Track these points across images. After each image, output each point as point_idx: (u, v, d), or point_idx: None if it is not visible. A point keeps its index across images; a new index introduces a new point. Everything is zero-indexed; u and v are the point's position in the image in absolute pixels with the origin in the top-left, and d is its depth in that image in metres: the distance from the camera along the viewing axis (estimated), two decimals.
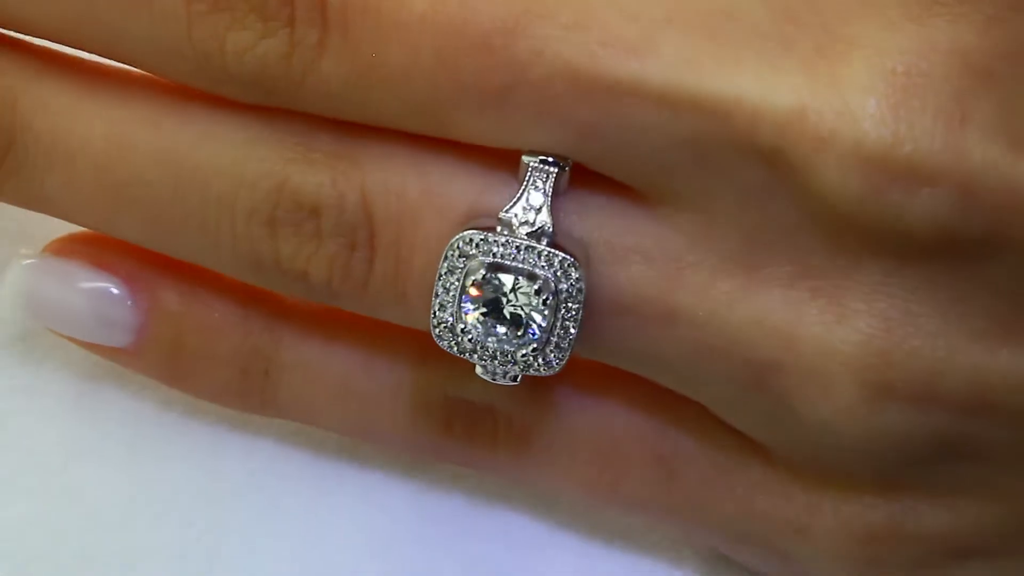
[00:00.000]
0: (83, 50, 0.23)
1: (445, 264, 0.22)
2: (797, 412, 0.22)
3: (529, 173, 0.22)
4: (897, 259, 0.21)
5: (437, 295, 0.22)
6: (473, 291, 0.22)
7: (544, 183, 0.22)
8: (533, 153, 0.22)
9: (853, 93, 0.20)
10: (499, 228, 0.22)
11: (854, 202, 0.20)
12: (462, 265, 0.22)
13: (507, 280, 0.22)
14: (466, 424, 0.25)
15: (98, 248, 0.25)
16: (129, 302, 0.25)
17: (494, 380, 0.23)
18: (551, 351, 0.22)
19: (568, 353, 0.22)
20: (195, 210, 0.23)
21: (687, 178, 0.21)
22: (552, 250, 0.22)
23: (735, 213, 0.22)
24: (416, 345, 0.25)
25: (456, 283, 0.22)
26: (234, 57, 0.22)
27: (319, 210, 0.23)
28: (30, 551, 0.26)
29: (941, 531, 0.23)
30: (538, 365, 0.22)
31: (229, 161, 0.23)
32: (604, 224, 0.22)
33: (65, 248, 0.25)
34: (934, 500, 0.23)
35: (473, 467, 0.26)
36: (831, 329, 0.22)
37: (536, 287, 0.22)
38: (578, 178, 0.22)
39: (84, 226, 0.25)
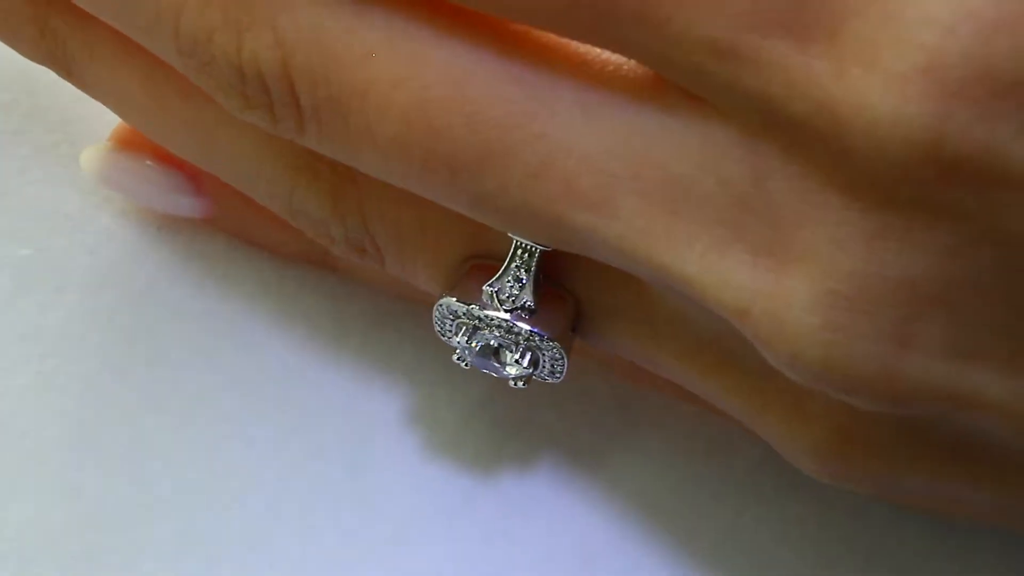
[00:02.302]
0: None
1: (437, 312, 0.24)
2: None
3: (513, 250, 0.23)
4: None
5: (435, 321, 0.24)
6: (464, 337, 0.24)
7: (528, 259, 0.23)
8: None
9: (791, 312, 0.20)
10: (484, 298, 0.23)
11: (797, 380, 0.21)
12: (452, 318, 0.24)
13: (493, 339, 0.24)
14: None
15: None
16: (193, 192, 0.27)
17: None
18: (544, 376, 0.24)
19: (563, 375, 0.24)
20: (227, 173, 0.25)
21: (657, 285, 0.22)
22: (532, 330, 0.23)
23: (704, 319, 0.22)
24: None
25: (451, 326, 0.24)
26: (228, 108, 0.22)
27: (326, 221, 0.24)
28: (30, 551, 0.26)
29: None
30: (535, 377, 0.24)
31: (249, 149, 0.24)
32: (592, 283, 0.23)
33: (132, 140, 0.27)
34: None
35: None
36: (794, 419, 0.23)
37: (517, 355, 0.24)
38: None
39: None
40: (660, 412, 0.28)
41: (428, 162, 0.21)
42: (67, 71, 0.25)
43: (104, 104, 0.26)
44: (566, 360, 0.24)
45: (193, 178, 0.27)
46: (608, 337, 0.24)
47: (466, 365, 0.24)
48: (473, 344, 0.24)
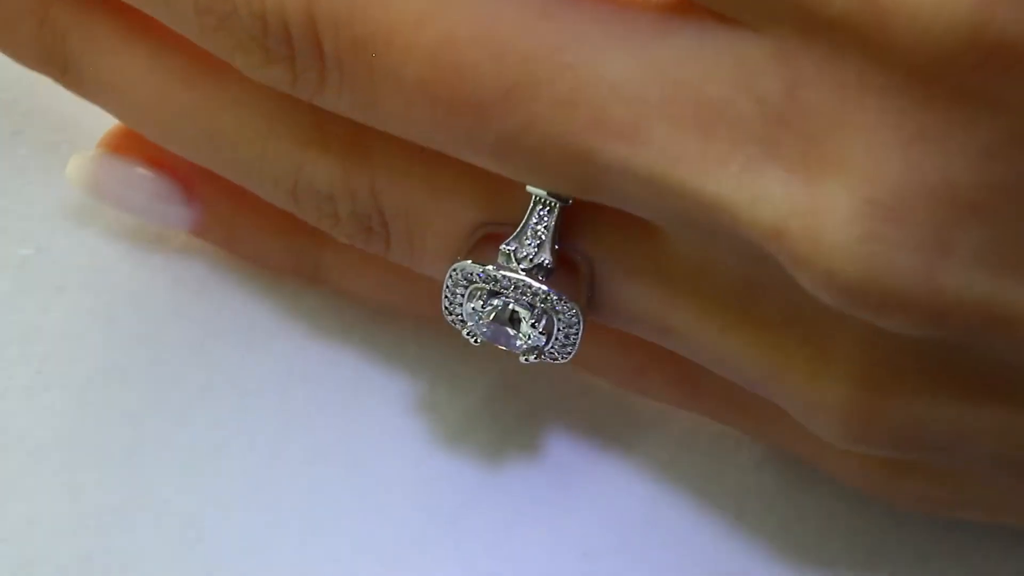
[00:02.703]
0: None
1: (450, 279, 0.23)
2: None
3: (533, 203, 0.22)
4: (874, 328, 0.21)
5: (445, 296, 0.23)
6: (477, 306, 0.23)
7: (548, 215, 0.22)
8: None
9: (830, 223, 0.19)
10: (500, 259, 0.23)
11: (833, 305, 0.20)
12: (465, 284, 0.23)
13: (508, 304, 0.23)
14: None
15: (153, 148, 0.26)
16: (181, 204, 0.27)
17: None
18: (559, 346, 0.24)
19: (573, 352, 0.23)
20: (227, 162, 0.25)
21: (680, 232, 0.22)
22: (549, 291, 0.23)
23: (732, 262, 0.22)
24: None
25: (461, 296, 0.23)
26: (245, 68, 0.22)
27: (334, 197, 0.24)
28: (30, 551, 0.26)
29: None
30: (548, 356, 0.24)
31: (255, 131, 0.24)
32: (609, 242, 0.23)
33: (122, 145, 0.27)
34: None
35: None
36: (814, 382, 0.22)
37: (533, 320, 0.23)
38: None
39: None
40: (660, 412, 0.28)
41: (454, 103, 0.21)
42: (63, 68, 0.25)
43: (100, 103, 0.25)
44: (581, 325, 0.23)
45: (184, 184, 0.27)
46: (623, 304, 0.23)
47: (476, 341, 0.24)
48: (487, 309, 0.23)
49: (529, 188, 0.22)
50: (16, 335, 0.27)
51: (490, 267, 0.23)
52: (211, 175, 0.25)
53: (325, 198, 0.24)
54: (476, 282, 0.23)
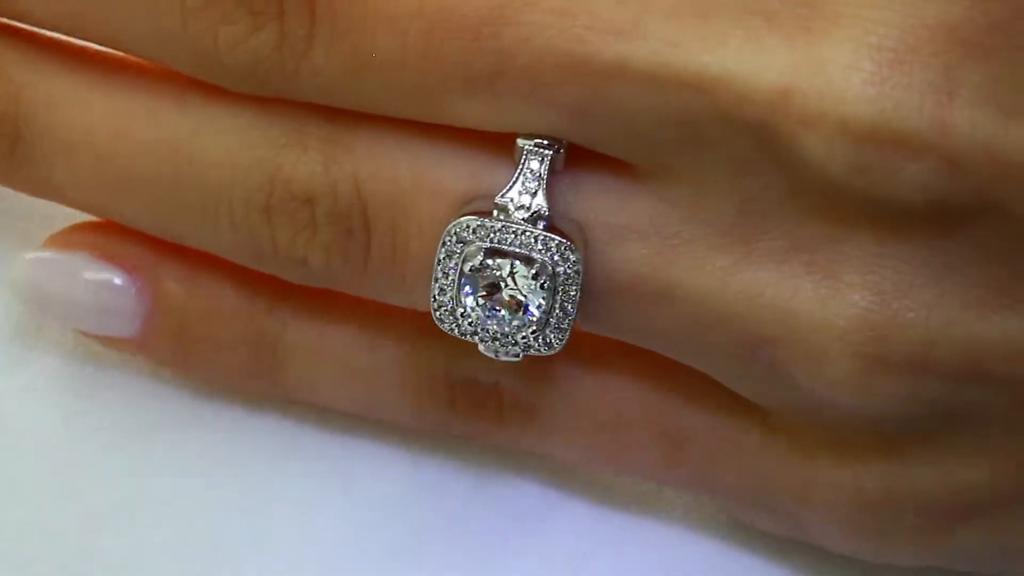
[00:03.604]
0: (83, 40, 0.24)
1: (443, 250, 0.22)
2: (795, 384, 0.22)
3: (524, 156, 0.22)
4: (890, 229, 0.21)
5: (436, 279, 0.23)
6: (471, 276, 0.22)
7: (539, 165, 0.22)
8: (527, 136, 0.22)
9: (837, 71, 0.20)
10: (495, 213, 0.22)
11: (842, 177, 0.21)
12: (459, 250, 0.22)
13: (505, 265, 0.22)
14: (471, 401, 0.25)
15: (101, 239, 0.25)
16: (133, 291, 0.25)
17: (497, 358, 0.23)
18: (551, 332, 0.23)
19: (567, 334, 0.23)
20: (194, 199, 0.23)
21: (678, 153, 0.22)
22: (549, 234, 0.22)
23: (727, 185, 0.22)
24: (417, 323, 0.25)
25: (454, 268, 0.23)
26: (227, 50, 0.22)
27: (313, 199, 0.23)
28: (30, 551, 0.26)
29: (937, 494, 0.23)
30: (538, 346, 0.23)
31: (224, 151, 0.23)
32: (599, 204, 0.23)
33: (67, 241, 0.26)
34: (929, 463, 0.23)
35: (478, 439, 0.26)
36: (825, 303, 0.22)
37: (534, 271, 0.22)
38: (572, 158, 0.22)
39: (92, 214, 0.25)
40: None
41: (449, 28, 0.21)
42: (14, 138, 0.24)
43: (53, 167, 0.24)
44: (580, 279, 0.22)
45: (131, 271, 0.25)
46: (619, 269, 0.22)
47: (471, 324, 0.23)
48: (485, 273, 0.22)
49: (519, 141, 0.22)
50: (16, 335, 0.27)
51: (486, 220, 0.22)
52: (162, 262, 0.25)
53: (303, 203, 0.23)
54: (471, 240, 0.22)
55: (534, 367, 0.25)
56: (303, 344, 0.25)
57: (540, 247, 0.22)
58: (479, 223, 0.22)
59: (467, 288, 0.23)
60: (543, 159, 0.22)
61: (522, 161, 0.22)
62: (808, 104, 0.20)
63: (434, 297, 0.23)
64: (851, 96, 0.20)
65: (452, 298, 0.23)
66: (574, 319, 0.23)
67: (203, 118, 0.23)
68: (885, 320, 0.22)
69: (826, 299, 0.22)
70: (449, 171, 0.23)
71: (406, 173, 0.23)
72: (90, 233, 0.26)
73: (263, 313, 0.25)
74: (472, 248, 0.22)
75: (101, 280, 0.25)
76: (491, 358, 0.23)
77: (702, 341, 0.23)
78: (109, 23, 0.23)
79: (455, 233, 0.22)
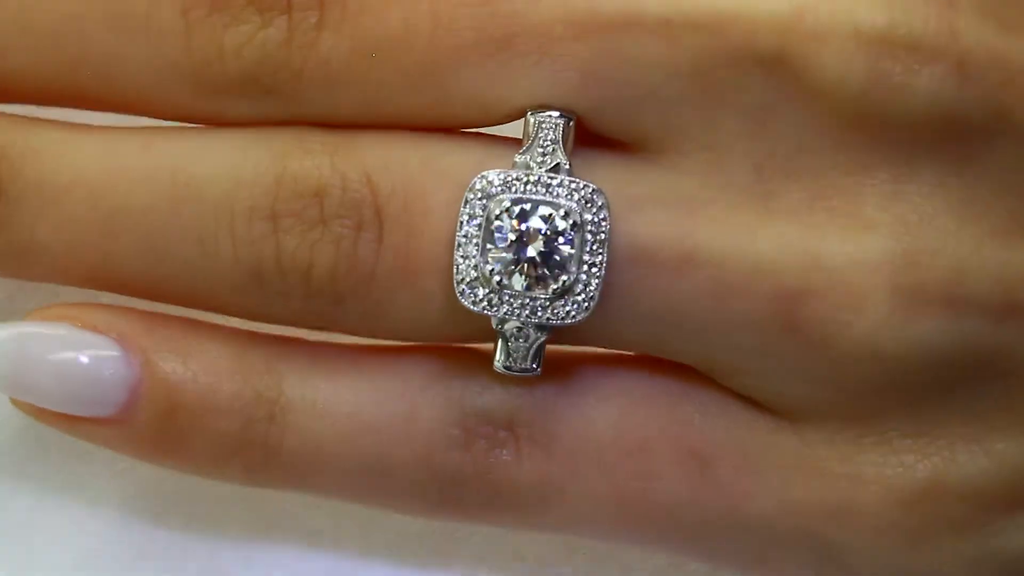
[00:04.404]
0: (74, 102, 0.24)
1: (467, 209, 0.22)
2: (831, 340, 0.22)
3: (536, 128, 0.22)
4: (906, 162, 0.22)
5: (459, 245, 0.22)
6: (496, 235, 0.22)
7: (553, 131, 0.22)
8: (538, 109, 0.22)
9: None
10: (518, 169, 0.22)
11: (859, 89, 0.22)
12: (482, 210, 0.22)
13: (533, 215, 0.22)
14: (487, 441, 0.24)
15: (82, 311, 0.24)
16: (120, 359, 0.24)
17: (513, 367, 0.23)
18: (580, 293, 0.22)
19: (597, 294, 0.22)
20: (192, 222, 0.23)
21: (691, 111, 0.22)
22: (575, 179, 0.22)
23: (742, 142, 0.22)
24: (425, 368, 0.24)
25: (478, 229, 0.22)
26: (233, 54, 0.22)
27: (322, 191, 0.23)
28: (30, 551, 0.25)
29: (983, 481, 0.23)
30: (568, 311, 0.22)
31: (224, 168, 0.23)
32: (612, 177, 0.23)
33: (47, 315, 0.24)
34: (971, 444, 0.23)
35: (497, 514, 0.24)
36: (855, 244, 0.22)
37: (561, 217, 0.22)
38: (582, 141, 0.23)
39: (74, 277, 0.24)
40: None
41: None
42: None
43: (36, 225, 0.23)
44: (607, 228, 0.22)
45: (118, 340, 0.24)
46: (643, 234, 0.23)
47: (495, 295, 0.22)
48: (508, 229, 0.22)
49: (529, 116, 0.22)
50: None
51: (511, 172, 0.22)
52: (150, 328, 0.24)
53: (312, 198, 0.23)
54: (495, 194, 0.22)
55: (549, 394, 0.24)
56: (305, 400, 0.24)
57: (567, 194, 0.22)
58: (503, 174, 0.22)
59: (491, 251, 0.22)
60: (555, 126, 0.22)
61: (535, 132, 0.22)
62: (820, 19, 0.22)
63: (457, 266, 0.22)
64: (861, 7, 0.22)
65: (476, 264, 0.22)
66: (602, 279, 0.22)
67: (201, 141, 0.23)
68: (915, 249, 0.22)
69: (854, 240, 0.22)
70: (458, 157, 0.23)
71: (415, 161, 0.23)
72: (70, 307, 0.24)
73: (260, 371, 0.24)
74: (496, 203, 0.22)
75: (85, 349, 0.24)
76: (505, 387, 0.23)
77: (729, 312, 0.22)
78: (105, 60, 0.23)
79: (480, 189, 0.22)
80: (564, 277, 0.22)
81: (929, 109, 0.22)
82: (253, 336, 0.24)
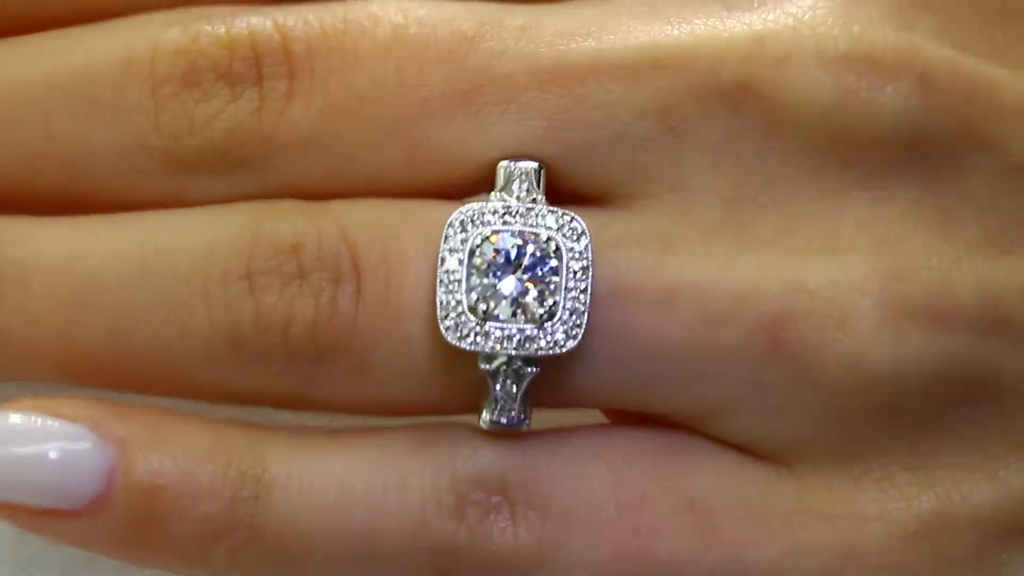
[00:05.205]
0: (36, 198, 0.24)
1: (447, 244, 0.22)
2: (818, 363, 0.22)
3: (508, 172, 0.22)
4: (879, 182, 0.22)
5: (442, 282, 0.22)
6: (478, 268, 0.22)
7: (525, 175, 0.22)
8: (508, 158, 0.23)
9: (801, 13, 0.22)
10: (494, 203, 0.23)
11: (825, 109, 0.22)
12: (462, 243, 0.22)
13: (515, 242, 0.22)
14: (481, 508, 0.23)
15: (50, 401, 0.23)
16: (93, 447, 0.22)
17: (502, 420, 0.22)
18: (567, 319, 0.22)
19: (583, 320, 0.22)
20: (163, 291, 0.22)
21: (659, 151, 0.22)
22: (553, 208, 0.22)
23: (712, 178, 0.22)
24: (412, 437, 0.23)
25: (459, 264, 0.22)
26: (204, 127, 0.23)
27: (298, 246, 0.22)
28: (30, 552, 0.26)
29: (988, 510, 0.23)
30: (554, 340, 0.22)
31: (195, 235, 0.23)
32: (587, 223, 0.23)
33: (14, 406, 0.23)
34: (972, 473, 0.23)
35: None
36: (836, 265, 0.22)
37: (543, 243, 0.22)
38: (553, 200, 0.23)
39: (38, 367, 0.23)
40: None
41: (426, 53, 0.22)
42: None
43: (5, 302, 0.23)
44: (589, 255, 0.22)
45: (91, 426, 0.23)
46: (623, 271, 0.22)
47: (479, 327, 0.22)
48: (489, 261, 0.22)
49: (500, 164, 0.22)
50: None
51: (488, 202, 0.22)
52: (124, 413, 0.23)
53: (288, 254, 0.22)
54: (475, 226, 0.22)
55: (541, 451, 0.23)
56: (291, 476, 0.23)
57: (545, 224, 0.22)
58: (481, 206, 0.22)
59: (474, 282, 0.22)
60: (527, 172, 0.22)
61: (507, 177, 0.22)
62: (781, 43, 0.22)
63: (441, 303, 0.22)
64: (820, 28, 0.22)
65: (460, 301, 0.22)
66: (587, 306, 0.22)
67: (171, 216, 0.23)
68: (896, 266, 0.22)
69: (834, 261, 0.22)
70: (433, 209, 0.23)
71: (390, 214, 0.23)
72: (38, 399, 0.23)
73: (242, 450, 0.23)
74: (476, 235, 0.22)
75: (56, 439, 0.22)
76: (495, 449, 0.23)
77: (715, 342, 0.22)
78: (71, 148, 0.23)
79: (459, 222, 0.22)
80: (549, 302, 0.22)
81: (896, 125, 0.22)
82: (231, 420, 0.23)
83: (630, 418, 0.24)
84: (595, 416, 0.25)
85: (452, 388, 0.23)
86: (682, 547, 0.23)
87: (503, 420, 0.23)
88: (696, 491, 0.23)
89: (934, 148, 0.22)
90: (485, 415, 0.23)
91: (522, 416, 0.23)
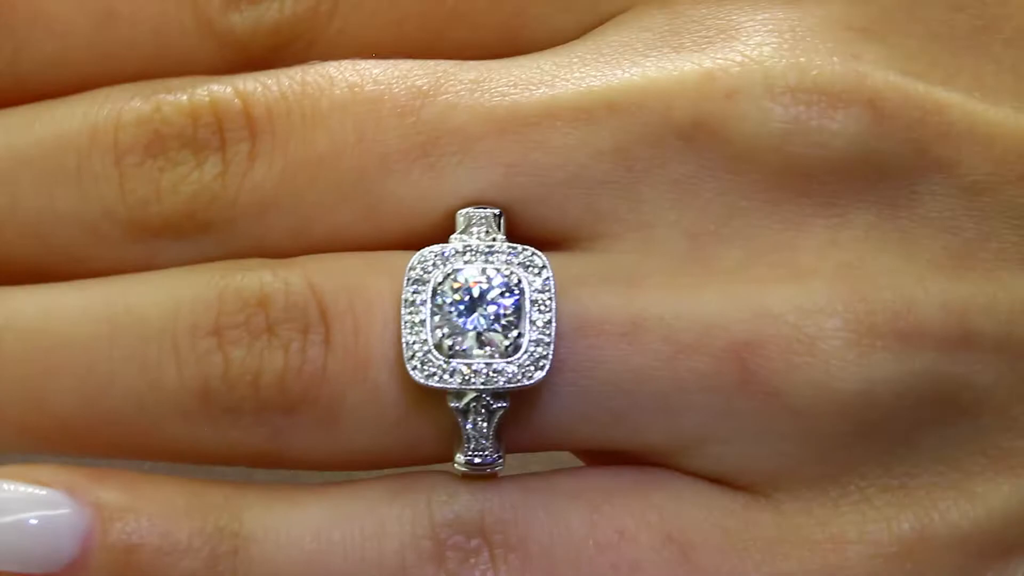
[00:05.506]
0: (6, 268, 0.24)
1: (409, 288, 0.22)
2: (787, 388, 0.22)
3: (467, 218, 0.23)
4: (838, 210, 0.23)
5: (406, 323, 0.22)
6: (441, 308, 0.22)
7: (484, 219, 0.23)
8: (467, 205, 0.23)
9: (749, 50, 0.22)
10: (454, 245, 0.23)
11: (778, 141, 0.22)
12: (424, 284, 0.22)
13: (477, 278, 0.22)
14: (460, 552, 0.23)
15: (24, 468, 0.23)
16: (70, 509, 0.23)
17: (476, 460, 0.22)
18: (533, 349, 0.22)
19: (550, 352, 0.22)
20: (133, 349, 0.23)
21: (617, 191, 0.23)
22: (512, 244, 0.23)
23: (672, 215, 0.23)
24: (387, 486, 0.23)
25: (422, 304, 0.22)
26: (170, 193, 0.23)
27: (265, 299, 0.23)
28: None
29: (969, 527, 0.23)
30: (523, 371, 0.22)
31: (163, 293, 0.23)
32: (550, 264, 0.23)
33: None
34: (950, 491, 0.23)
35: None
36: (800, 290, 0.22)
37: (504, 276, 0.22)
38: (513, 241, 0.23)
39: (8, 433, 0.23)
40: None
41: (381, 110, 0.23)
42: None
43: None
44: (551, 287, 0.22)
45: (67, 490, 0.23)
46: (588, 307, 0.23)
47: (446, 364, 0.22)
48: (451, 299, 0.22)
49: (459, 212, 0.23)
50: None
51: (446, 246, 0.23)
52: (99, 476, 0.23)
53: (256, 307, 0.23)
54: (436, 267, 0.22)
55: (518, 493, 0.23)
56: (268, 529, 0.23)
57: (504, 261, 0.22)
58: (441, 247, 0.23)
59: (438, 321, 0.22)
60: (486, 217, 0.23)
61: (466, 222, 0.23)
62: (731, 78, 0.22)
63: (407, 344, 0.22)
64: (768, 62, 0.22)
65: (425, 340, 0.22)
66: (552, 336, 0.22)
67: (138, 278, 0.23)
68: (859, 288, 0.22)
69: (798, 287, 0.22)
70: (397, 256, 0.23)
71: (355, 263, 0.23)
72: (9, 467, 0.23)
73: (219, 507, 0.23)
74: (438, 274, 0.22)
75: (30, 505, 0.22)
76: (472, 490, 0.23)
77: (684, 372, 0.22)
78: (34, 220, 0.23)
79: (419, 265, 0.22)
80: (514, 334, 0.22)
81: (848, 152, 0.22)
82: (206, 480, 0.23)
83: (605, 459, 0.24)
84: (571, 461, 0.25)
85: (424, 433, 0.23)
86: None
87: (476, 460, 0.23)
88: (675, 525, 0.23)
89: (889, 172, 0.23)
90: (459, 457, 0.23)
91: (496, 455, 0.23)
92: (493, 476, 0.23)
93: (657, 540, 0.23)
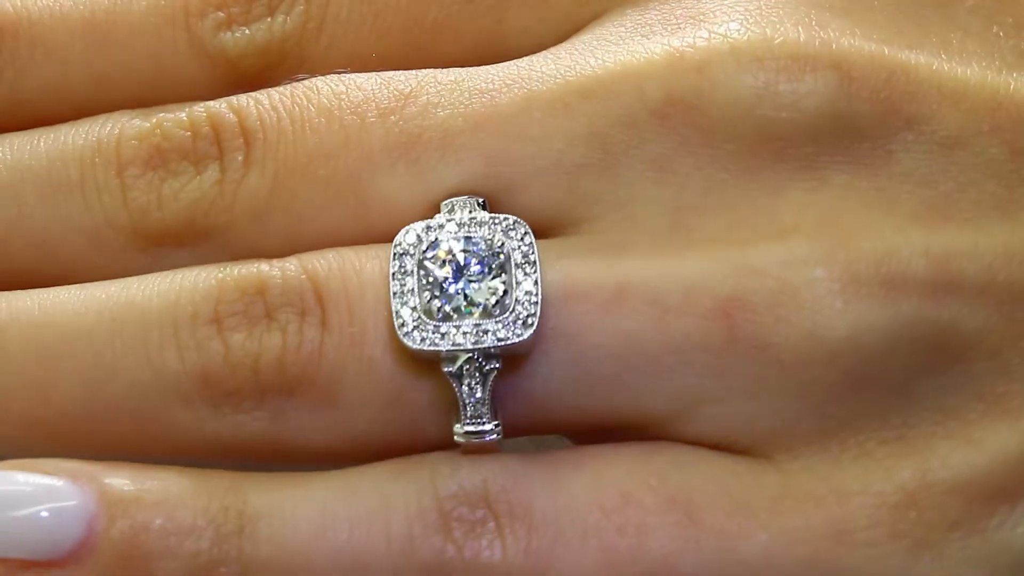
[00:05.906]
0: (12, 278, 0.25)
1: (396, 262, 0.23)
2: (775, 341, 0.23)
3: (449, 205, 0.24)
4: (814, 172, 0.23)
5: (395, 294, 0.23)
6: (429, 280, 0.23)
7: (465, 203, 0.24)
8: (450, 196, 0.24)
9: (716, 25, 0.23)
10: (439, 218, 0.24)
11: (749, 108, 0.23)
12: (412, 259, 0.23)
13: (461, 245, 0.23)
14: (466, 523, 0.23)
15: (25, 460, 0.23)
16: (75, 493, 0.23)
17: (475, 426, 0.23)
18: (520, 308, 0.23)
19: (537, 310, 0.23)
20: (136, 339, 0.23)
21: (596, 174, 0.24)
22: (494, 215, 0.23)
23: (653, 191, 0.23)
24: (390, 465, 0.24)
25: (410, 272, 0.23)
26: (171, 201, 0.24)
27: (264, 287, 0.23)
28: None
29: (971, 472, 0.23)
30: (514, 328, 0.23)
31: (163, 285, 0.24)
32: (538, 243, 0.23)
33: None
34: (949, 439, 0.23)
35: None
36: (781, 246, 0.23)
37: (486, 240, 0.23)
38: None
39: (11, 427, 0.24)
40: None
41: (365, 114, 0.24)
42: None
43: None
44: (534, 253, 0.23)
45: (71, 476, 0.23)
46: (575, 277, 0.23)
47: (437, 330, 0.23)
48: (439, 270, 0.23)
49: (443, 203, 0.24)
50: None
51: (430, 220, 0.23)
52: (103, 466, 0.23)
53: (254, 295, 0.23)
54: (421, 242, 0.23)
55: (521, 469, 0.23)
56: (273, 506, 0.23)
57: (487, 231, 0.23)
58: (425, 223, 0.23)
59: (427, 287, 0.23)
60: (467, 201, 0.24)
61: (449, 206, 0.24)
62: (698, 52, 0.23)
63: (397, 313, 0.23)
64: (735, 35, 0.23)
65: (415, 308, 0.23)
66: (539, 296, 0.23)
67: (138, 277, 0.24)
68: (840, 239, 0.23)
69: (780, 243, 0.23)
70: (388, 245, 0.24)
71: (347, 251, 0.24)
72: (12, 461, 0.23)
73: (224, 488, 0.23)
74: (423, 246, 0.23)
75: (42, 495, 0.23)
76: (474, 468, 0.23)
77: (673, 333, 0.23)
78: (42, 225, 0.24)
79: (403, 239, 0.23)
80: (500, 293, 0.23)
81: (819, 114, 0.23)
82: (210, 468, 0.24)
83: (603, 441, 0.24)
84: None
85: (422, 405, 0.24)
86: (672, 542, 0.23)
87: (473, 427, 0.23)
88: (679, 488, 0.23)
89: (862, 133, 0.23)
90: (457, 427, 0.23)
91: (493, 422, 0.23)
92: (494, 450, 0.23)
93: (662, 502, 0.23)
